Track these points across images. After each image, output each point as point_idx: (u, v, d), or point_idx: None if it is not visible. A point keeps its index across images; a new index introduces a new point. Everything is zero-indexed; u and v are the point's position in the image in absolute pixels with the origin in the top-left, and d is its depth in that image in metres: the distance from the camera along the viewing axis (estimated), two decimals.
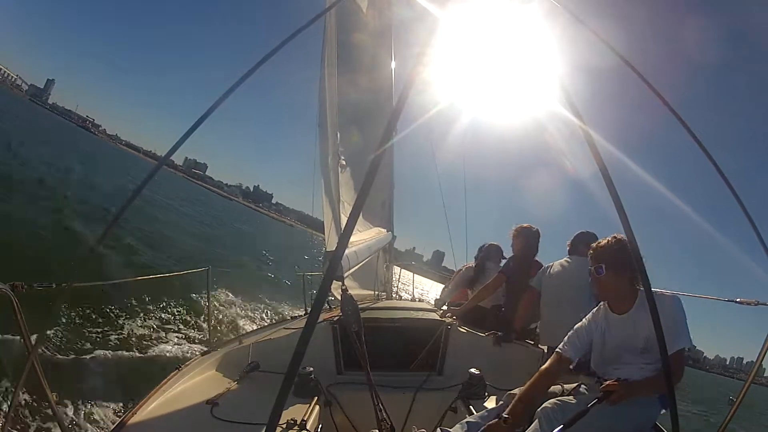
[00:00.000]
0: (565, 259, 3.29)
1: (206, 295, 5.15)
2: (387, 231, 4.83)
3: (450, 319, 3.54)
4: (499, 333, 3.37)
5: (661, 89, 1.36)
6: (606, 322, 2.18)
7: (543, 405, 1.99)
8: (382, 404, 2.01)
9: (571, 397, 2.07)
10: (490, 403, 2.50)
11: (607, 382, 1.96)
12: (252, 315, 9.38)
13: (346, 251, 2.36)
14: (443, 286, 6.28)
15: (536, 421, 1.95)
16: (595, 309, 2.27)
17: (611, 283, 2.14)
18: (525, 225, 3.87)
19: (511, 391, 2.21)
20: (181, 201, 30.90)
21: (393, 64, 4.54)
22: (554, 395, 2.18)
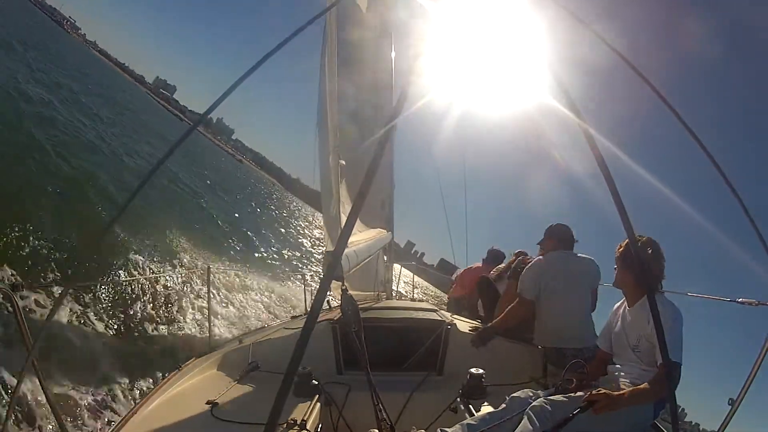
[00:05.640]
0: (560, 253, 3.14)
1: (206, 295, 5.15)
2: (387, 231, 4.82)
3: (451, 319, 3.53)
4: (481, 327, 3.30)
5: (653, 82, 1.35)
6: (622, 312, 2.37)
7: (532, 404, 2.01)
8: (382, 404, 2.01)
9: (560, 396, 2.08)
10: (490, 402, 2.50)
11: (592, 392, 1.98)
12: (252, 312, 9.38)
13: (346, 251, 2.36)
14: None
15: (525, 419, 1.97)
16: (621, 300, 2.45)
17: (619, 277, 2.37)
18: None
19: (514, 395, 2.21)
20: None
21: (393, 64, 4.54)
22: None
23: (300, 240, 27.48)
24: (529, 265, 3.21)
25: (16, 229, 6.83)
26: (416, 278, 10.75)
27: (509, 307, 3.16)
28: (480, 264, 5.53)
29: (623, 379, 2.18)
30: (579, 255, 3.14)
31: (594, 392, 1.96)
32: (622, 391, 2.00)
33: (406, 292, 9.19)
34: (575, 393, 2.10)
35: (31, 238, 6.93)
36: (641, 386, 2.00)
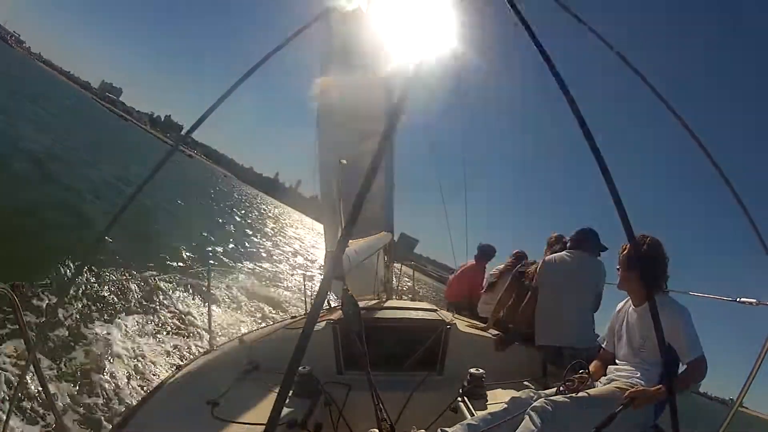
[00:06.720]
0: (566, 253, 3.24)
1: (206, 294, 5.16)
2: (387, 232, 4.81)
3: (451, 319, 3.52)
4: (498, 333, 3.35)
5: (650, 79, 1.36)
6: (626, 312, 2.37)
7: (533, 404, 2.01)
8: (382, 404, 2.01)
9: (562, 397, 2.08)
10: (491, 402, 2.49)
11: (631, 390, 2.03)
12: (253, 311, 9.38)
13: (346, 250, 2.35)
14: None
15: (526, 418, 1.96)
16: (624, 300, 2.45)
17: (624, 278, 2.35)
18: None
19: (515, 395, 2.20)
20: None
21: (393, 64, 4.52)
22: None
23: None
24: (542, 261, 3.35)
25: (16, 230, 6.86)
26: (416, 274, 10.73)
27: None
28: (473, 261, 5.53)
29: (626, 380, 2.18)
30: (586, 255, 3.16)
31: (633, 390, 2.03)
32: (657, 387, 2.04)
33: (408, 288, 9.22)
34: (576, 393, 2.10)
35: (31, 239, 6.95)
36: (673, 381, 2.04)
